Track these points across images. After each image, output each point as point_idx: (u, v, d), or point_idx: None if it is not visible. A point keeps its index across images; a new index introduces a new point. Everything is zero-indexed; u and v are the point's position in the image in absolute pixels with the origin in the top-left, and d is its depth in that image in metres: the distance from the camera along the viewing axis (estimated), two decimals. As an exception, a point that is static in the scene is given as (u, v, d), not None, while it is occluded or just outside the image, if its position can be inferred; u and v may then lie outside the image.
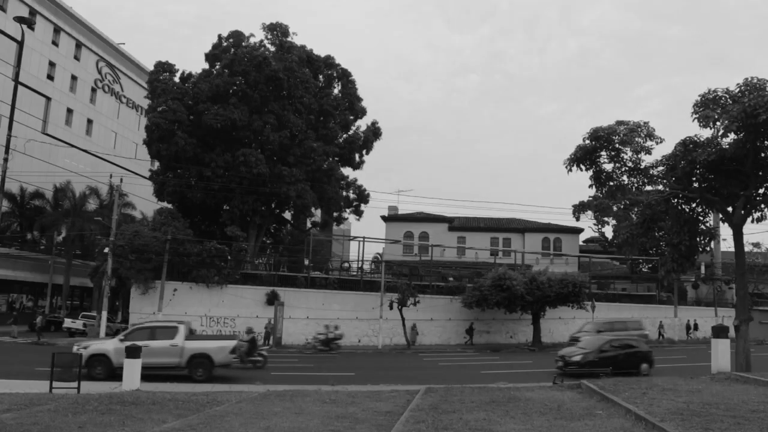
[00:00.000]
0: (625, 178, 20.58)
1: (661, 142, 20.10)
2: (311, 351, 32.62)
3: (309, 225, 51.97)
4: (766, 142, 18.19)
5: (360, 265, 45.94)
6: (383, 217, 57.29)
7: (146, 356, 16.72)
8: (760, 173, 18.95)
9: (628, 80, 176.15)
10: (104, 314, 34.48)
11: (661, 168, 20.43)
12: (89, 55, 56.75)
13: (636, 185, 20.77)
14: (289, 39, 43.49)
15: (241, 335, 27.28)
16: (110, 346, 19.53)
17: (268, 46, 43.04)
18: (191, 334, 21.35)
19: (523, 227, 56.77)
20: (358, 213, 47.91)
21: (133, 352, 15.63)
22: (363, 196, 47.53)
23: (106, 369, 18.95)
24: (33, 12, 48.42)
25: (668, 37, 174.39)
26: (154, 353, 18.69)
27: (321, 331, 34.31)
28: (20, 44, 40.86)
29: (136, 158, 55.56)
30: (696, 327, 45.33)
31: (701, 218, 21.31)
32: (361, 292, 40.03)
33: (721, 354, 16.77)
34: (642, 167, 20.34)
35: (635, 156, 20.12)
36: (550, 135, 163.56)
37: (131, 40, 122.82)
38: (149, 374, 17.45)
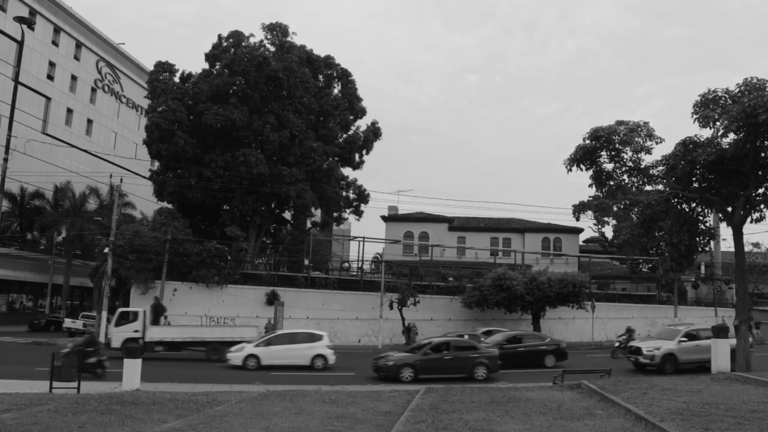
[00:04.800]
0: (625, 177, 20.61)
1: (661, 142, 20.13)
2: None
3: (309, 225, 51.95)
4: (766, 142, 18.20)
5: (360, 265, 45.91)
6: (383, 217, 57.24)
7: None
8: (760, 173, 18.96)
9: (627, 80, 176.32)
10: (104, 314, 34.46)
11: (661, 168, 20.45)
12: (89, 55, 56.73)
13: (636, 185, 20.79)
14: (288, 39, 43.47)
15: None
16: (673, 345, 22.96)
17: (268, 46, 43.03)
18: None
19: (523, 227, 56.72)
20: (358, 213, 47.88)
21: (132, 353, 15.64)
22: (363, 196, 47.50)
23: (673, 366, 22.24)
24: (33, 12, 48.41)
25: (668, 37, 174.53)
26: None
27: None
28: (20, 44, 40.86)
29: (136, 158, 55.53)
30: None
31: (701, 218, 21.32)
32: (361, 292, 40.00)
33: (721, 354, 16.77)
34: (642, 167, 20.36)
35: (635, 156, 20.14)
36: (550, 135, 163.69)
37: (131, 40, 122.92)
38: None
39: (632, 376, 18.99)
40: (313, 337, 24.56)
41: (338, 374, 21.88)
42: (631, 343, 25.41)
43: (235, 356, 23.44)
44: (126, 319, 27.27)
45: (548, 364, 24.76)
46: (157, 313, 29.83)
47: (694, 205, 21.14)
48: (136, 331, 26.85)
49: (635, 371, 22.66)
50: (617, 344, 29.93)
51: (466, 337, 26.83)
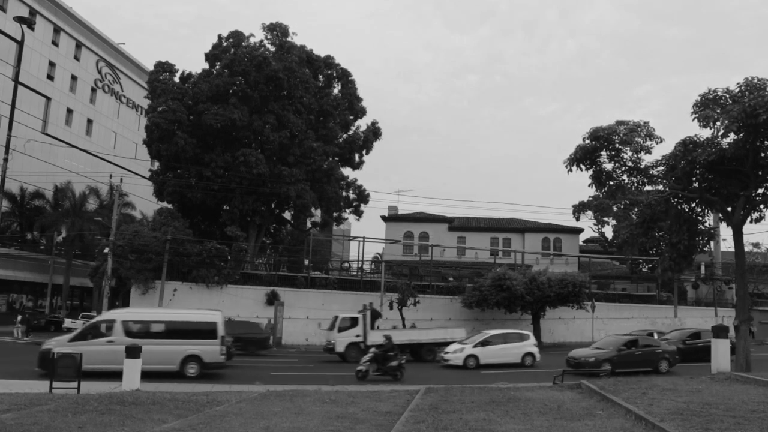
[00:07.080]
0: (625, 177, 20.61)
1: (661, 142, 20.14)
2: None
3: (309, 225, 51.96)
4: (766, 142, 18.21)
5: (360, 265, 45.92)
6: (383, 217, 57.25)
7: None
8: (760, 173, 18.96)
9: (627, 80, 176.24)
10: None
11: (661, 168, 20.46)
12: (89, 55, 56.73)
13: (636, 185, 20.80)
14: (289, 39, 43.49)
15: None
16: None
17: (268, 46, 43.05)
18: None
19: (523, 227, 56.73)
20: (358, 213, 47.90)
21: (132, 353, 15.61)
22: (363, 196, 47.52)
23: None
24: (33, 12, 48.40)
25: (668, 37, 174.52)
26: None
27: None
28: (20, 44, 40.90)
29: (136, 158, 55.54)
30: None
31: (701, 218, 21.34)
32: (361, 292, 39.99)
33: (721, 354, 16.78)
34: (642, 167, 20.37)
35: (635, 156, 20.14)
36: (550, 135, 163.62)
37: (131, 40, 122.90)
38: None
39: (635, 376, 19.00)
40: (522, 337, 26.56)
41: (338, 374, 21.85)
42: None
43: (455, 357, 25.03)
44: (347, 325, 28.71)
45: None
46: (374, 318, 30.90)
47: (693, 205, 21.16)
48: (357, 336, 28.27)
49: None
50: None
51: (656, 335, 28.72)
